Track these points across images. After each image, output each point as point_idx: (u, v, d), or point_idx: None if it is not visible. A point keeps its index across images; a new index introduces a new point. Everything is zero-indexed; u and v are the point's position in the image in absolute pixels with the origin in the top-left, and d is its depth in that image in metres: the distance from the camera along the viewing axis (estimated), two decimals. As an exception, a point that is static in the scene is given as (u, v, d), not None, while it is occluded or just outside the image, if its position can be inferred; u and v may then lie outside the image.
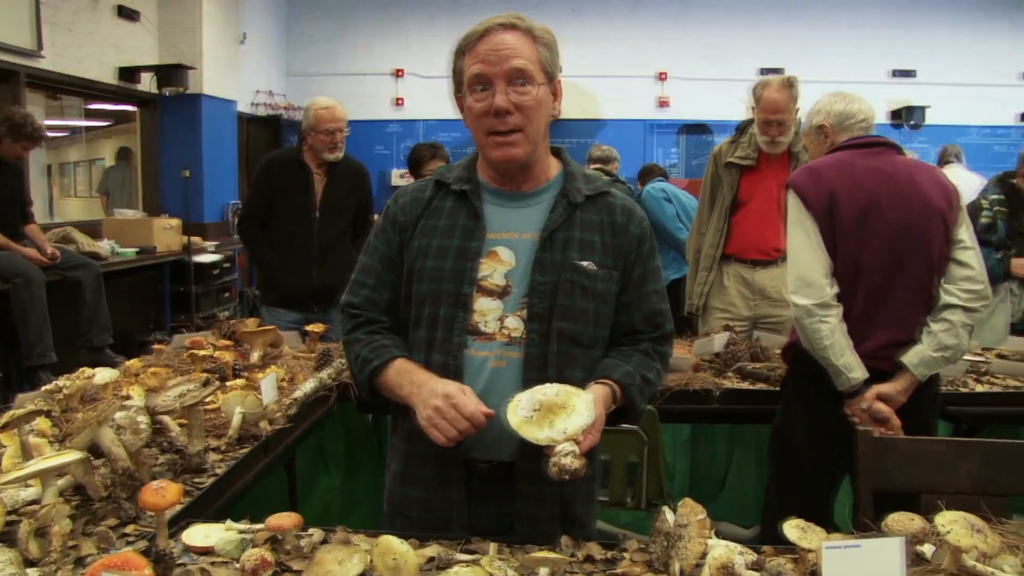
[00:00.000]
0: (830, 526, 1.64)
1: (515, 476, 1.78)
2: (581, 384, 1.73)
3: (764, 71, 10.53)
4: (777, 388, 2.92)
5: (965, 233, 2.54)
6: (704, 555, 1.52)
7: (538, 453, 1.60)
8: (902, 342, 2.50)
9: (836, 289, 2.45)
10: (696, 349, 3.40)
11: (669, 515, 1.58)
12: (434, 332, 1.79)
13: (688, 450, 3.75)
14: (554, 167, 1.89)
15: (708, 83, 10.70)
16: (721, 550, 1.52)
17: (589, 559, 1.62)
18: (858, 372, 2.44)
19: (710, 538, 1.55)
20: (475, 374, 1.75)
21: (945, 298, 2.49)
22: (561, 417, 1.57)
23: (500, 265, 1.78)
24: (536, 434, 1.56)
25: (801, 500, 2.43)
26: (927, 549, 1.60)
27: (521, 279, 1.77)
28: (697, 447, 3.76)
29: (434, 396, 1.64)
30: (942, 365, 2.52)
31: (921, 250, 2.48)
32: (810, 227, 2.47)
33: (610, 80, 10.74)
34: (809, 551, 1.55)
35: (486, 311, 1.77)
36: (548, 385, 1.65)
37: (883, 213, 2.45)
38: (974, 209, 4.72)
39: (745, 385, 3.11)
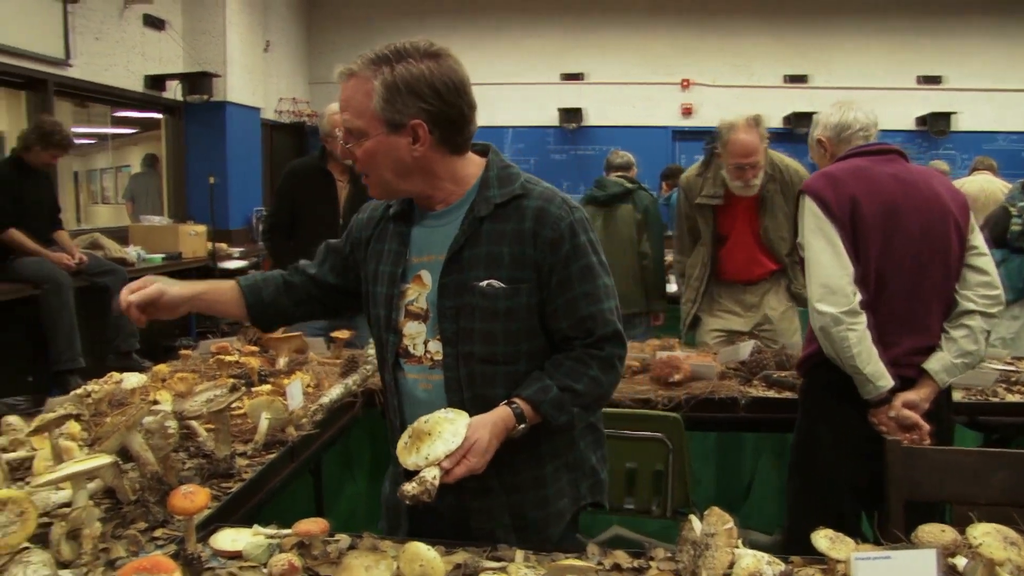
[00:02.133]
0: (858, 537, 1.62)
1: (463, 492, 1.76)
2: (501, 400, 1.74)
3: (789, 78, 10.52)
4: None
5: (978, 239, 2.54)
6: (732, 565, 1.51)
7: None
8: (924, 348, 2.48)
9: (860, 296, 2.43)
10: (722, 357, 3.38)
11: (696, 524, 1.57)
12: (381, 352, 1.88)
13: (714, 458, 3.73)
14: (470, 177, 1.81)
15: (733, 90, 10.67)
16: (749, 560, 1.51)
17: (616, 567, 1.61)
18: (886, 380, 2.41)
19: (738, 547, 1.54)
20: (410, 396, 1.83)
21: (963, 304, 2.48)
22: (426, 444, 1.59)
23: (423, 289, 1.80)
24: (406, 460, 1.60)
25: (828, 512, 2.40)
26: (960, 562, 1.58)
27: (433, 303, 1.78)
28: (723, 455, 3.74)
29: None
30: (963, 371, 2.50)
31: (940, 255, 2.46)
32: (832, 233, 2.44)
33: (634, 88, 10.75)
34: (839, 562, 1.53)
35: (414, 335, 1.81)
36: (433, 412, 1.68)
37: (904, 219, 2.44)
38: (1003, 216, 4.66)
39: (771, 393, 3.09)
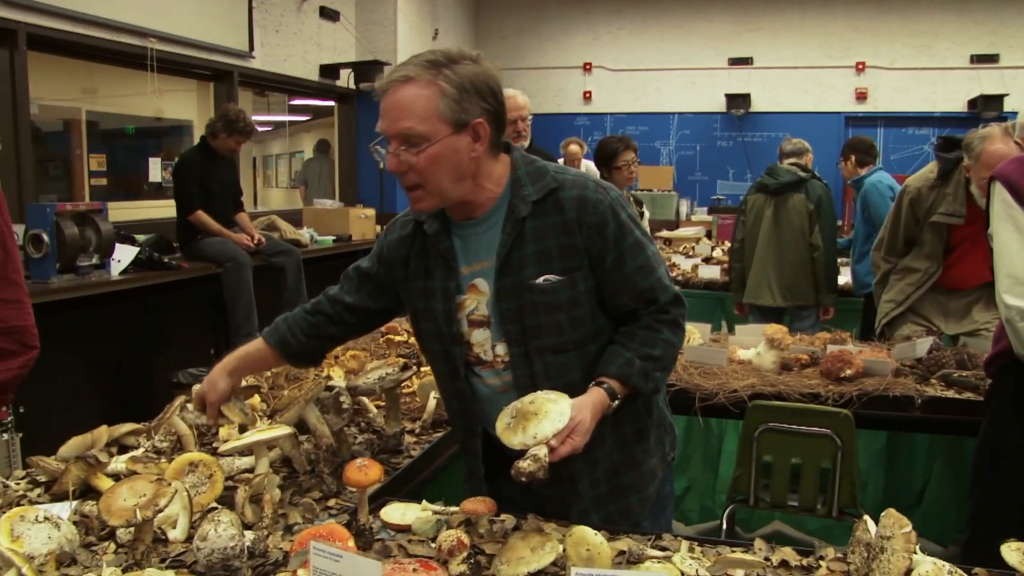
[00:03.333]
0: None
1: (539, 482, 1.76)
2: (583, 385, 1.75)
3: (976, 58, 9.82)
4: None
5: None
6: (908, 571, 1.44)
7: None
8: None
9: None
10: (896, 353, 3.22)
11: (871, 525, 1.51)
12: (445, 366, 1.88)
13: (883, 459, 3.57)
14: (502, 178, 1.81)
15: (912, 73, 10.10)
16: (929, 567, 1.44)
17: (783, 564, 1.56)
18: None
19: (915, 553, 1.47)
20: (488, 400, 1.85)
21: None
22: (532, 423, 1.58)
23: (481, 296, 1.81)
24: (512, 440, 1.59)
25: (1017, 523, 2.25)
26: None
27: (493, 308, 1.80)
28: (893, 456, 3.58)
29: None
30: None
31: None
32: (1022, 220, 2.27)
33: (805, 72, 10.35)
34: (1031, 576, 1.44)
35: (482, 341, 1.83)
36: (534, 393, 1.68)
37: None
38: None
39: (951, 394, 2.92)
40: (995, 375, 2.50)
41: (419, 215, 1.87)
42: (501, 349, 1.81)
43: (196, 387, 2.02)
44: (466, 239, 1.83)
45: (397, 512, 1.75)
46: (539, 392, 1.69)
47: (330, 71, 8.12)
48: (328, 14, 8.04)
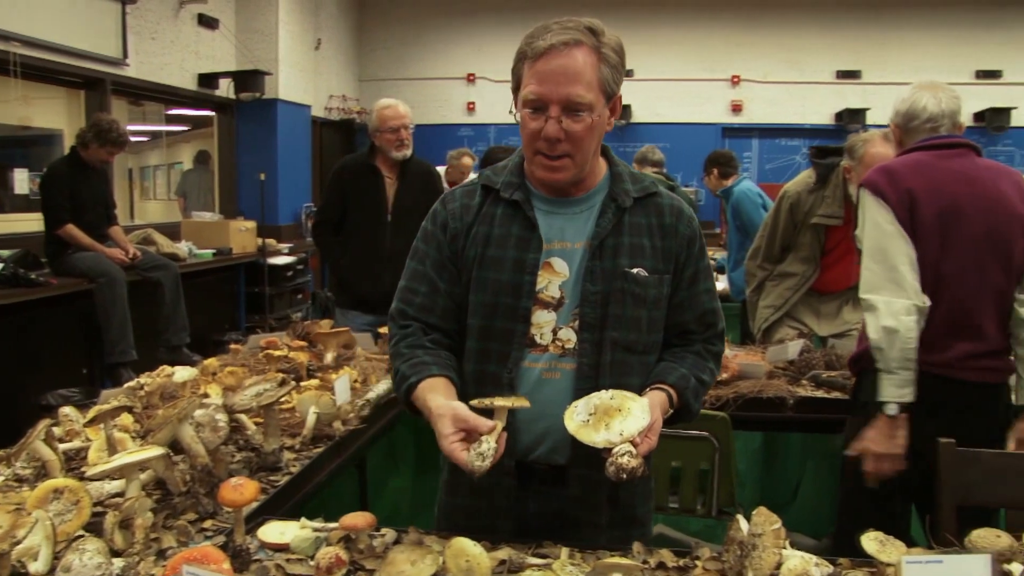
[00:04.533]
0: (908, 540, 1.59)
1: (567, 480, 1.76)
2: (637, 391, 1.71)
3: (841, 74, 10.32)
4: (854, 397, 2.85)
5: None
6: (779, 566, 1.49)
7: (595, 457, 1.58)
8: (981, 353, 2.41)
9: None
10: (770, 356, 3.34)
11: (743, 524, 1.56)
12: (489, 343, 1.76)
13: (760, 458, 3.69)
14: (601, 168, 1.82)
15: (783, 86, 10.53)
16: (796, 561, 1.50)
17: (661, 566, 1.60)
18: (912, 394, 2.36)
19: (785, 548, 1.53)
20: (527, 385, 1.74)
21: (1020, 311, 2.41)
22: (617, 420, 1.56)
23: (555, 276, 1.75)
24: (593, 437, 1.55)
25: (878, 514, 2.36)
26: (1015, 568, 1.54)
27: (573, 289, 1.74)
28: (769, 455, 3.70)
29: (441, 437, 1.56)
30: None
31: (1002, 260, 2.39)
32: (883, 222, 2.39)
33: (683, 84, 10.64)
34: (888, 565, 1.51)
35: (543, 323, 1.74)
36: (603, 391, 1.64)
37: (965, 219, 2.37)
38: None
39: (820, 393, 3.05)
40: (858, 373, 2.62)
41: (493, 182, 1.80)
42: (565, 334, 1.74)
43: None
44: (551, 216, 1.77)
45: (275, 531, 1.72)
46: (610, 390, 1.64)
47: (209, 80, 7.90)
48: (207, 22, 7.82)
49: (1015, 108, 10.07)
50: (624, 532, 1.80)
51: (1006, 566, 1.55)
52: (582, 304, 1.73)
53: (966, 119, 2.55)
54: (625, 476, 1.50)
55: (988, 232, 2.37)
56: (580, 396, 1.66)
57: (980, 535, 1.61)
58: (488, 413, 1.56)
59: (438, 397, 1.63)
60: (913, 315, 2.31)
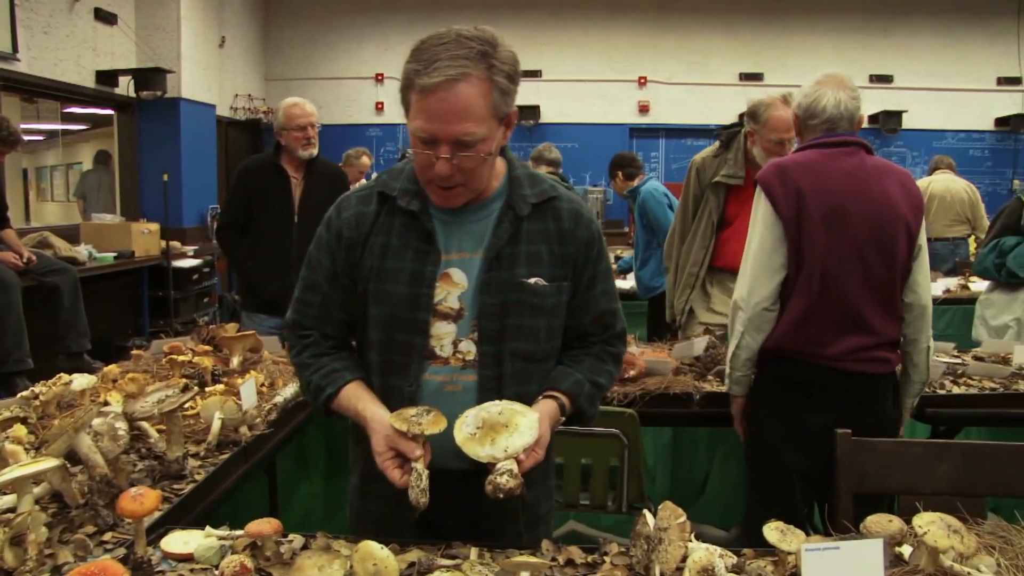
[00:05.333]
0: (810, 528, 1.65)
1: (477, 487, 1.71)
2: (535, 396, 1.72)
3: (744, 76, 10.62)
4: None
5: (923, 238, 2.58)
6: (685, 558, 1.53)
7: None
8: (868, 346, 2.51)
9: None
10: (676, 353, 3.40)
11: (650, 518, 1.58)
12: (391, 356, 1.74)
13: (669, 453, 3.75)
14: (500, 171, 1.78)
15: (688, 88, 10.77)
16: (701, 553, 1.53)
17: (570, 563, 1.62)
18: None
19: (690, 541, 1.56)
20: (431, 398, 1.70)
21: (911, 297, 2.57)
22: (503, 436, 1.56)
23: (453, 288, 1.72)
24: (478, 451, 1.55)
25: (780, 503, 2.44)
26: (906, 550, 1.61)
27: (472, 301, 1.72)
28: (678, 450, 3.76)
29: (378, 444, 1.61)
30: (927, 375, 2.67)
31: (887, 256, 2.48)
32: (769, 220, 2.51)
33: (591, 85, 10.78)
34: (789, 553, 1.56)
35: (442, 335, 1.72)
36: (494, 403, 1.63)
37: (849, 218, 2.45)
38: (1017, 206, 4.44)
39: (725, 388, 3.11)
40: (758, 366, 2.69)
41: (390, 189, 1.74)
42: (466, 346, 1.72)
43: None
44: (449, 225, 1.72)
45: (179, 541, 1.67)
46: (500, 401, 1.62)
47: (108, 78, 7.64)
48: (104, 16, 7.56)
49: (906, 111, 10.53)
50: (531, 533, 1.82)
51: (897, 549, 1.62)
52: (480, 316, 1.71)
53: (863, 121, 2.67)
54: (502, 495, 1.51)
55: (872, 231, 2.46)
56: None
57: (874, 520, 1.67)
58: None
59: (370, 405, 1.68)
60: (773, 312, 2.54)
